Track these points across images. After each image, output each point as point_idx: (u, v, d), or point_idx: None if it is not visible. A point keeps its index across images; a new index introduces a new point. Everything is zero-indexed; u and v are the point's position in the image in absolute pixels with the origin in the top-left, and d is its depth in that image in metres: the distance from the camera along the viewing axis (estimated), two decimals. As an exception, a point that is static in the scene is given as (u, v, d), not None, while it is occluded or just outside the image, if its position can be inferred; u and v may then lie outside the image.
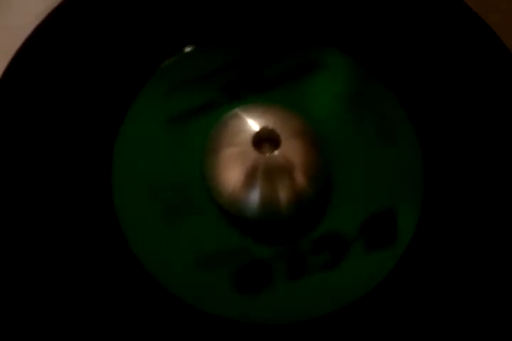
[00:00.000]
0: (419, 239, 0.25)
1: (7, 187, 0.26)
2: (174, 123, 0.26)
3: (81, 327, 0.25)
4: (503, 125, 0.26)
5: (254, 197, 0.25)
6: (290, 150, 0.24)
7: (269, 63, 0.27)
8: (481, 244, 0.25)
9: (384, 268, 0.25)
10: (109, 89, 0.27)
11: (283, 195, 0.25)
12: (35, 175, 0.26)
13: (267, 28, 0.27)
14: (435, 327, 0.25)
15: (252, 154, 0.24)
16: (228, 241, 0.25)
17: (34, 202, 0.26)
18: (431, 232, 0.26)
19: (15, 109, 0.26)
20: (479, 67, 0.27)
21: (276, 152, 0.24)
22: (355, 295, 0.25)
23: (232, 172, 0.25)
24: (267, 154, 0.24)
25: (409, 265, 0.25)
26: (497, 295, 0.25)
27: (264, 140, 0.25)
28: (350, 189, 0.26)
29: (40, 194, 0.26)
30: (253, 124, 0.25)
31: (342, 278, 0.25)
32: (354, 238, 0.25)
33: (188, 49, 0.27)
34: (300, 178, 0.25)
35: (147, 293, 0.25)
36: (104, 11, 0.28)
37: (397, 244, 0.25)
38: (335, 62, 0.27)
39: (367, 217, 0.25)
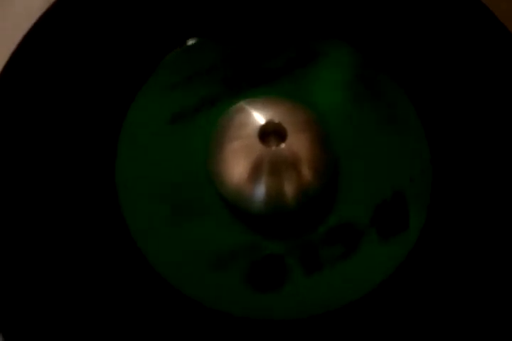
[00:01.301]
0: (430, 228, 0.25)
1: (8, 186, 0.25)
2: (177, 118, 0.26)
3: (88, 328, 0.24)
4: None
5: (260, 191, 0.24)
6: (296, 144, 0.24)
7: (271, 55, 0.27)
8: (494, 229, 0.25)
9: (399, 256, 0.25)
10: (111, 85, 0.26)
11: (289, 188, 0.24)
12: (36, 175, 0.25)
13: (269, 20, 0.27)
14: (447, 318, 0.25)
15: (258, 147, 0.24)
16: (238, 239, 0.25)
17: (35, 202, 0.25)
18: (441, 221, 0.25)
19: (16, 105, 0.26)
20: (486, 60, 0.27)
21: (282, 145, 0.24)
22: (372, 284, 0.24)
23: (237, 166, 0.24)
24: (273, 147, 0.24)
25: (420, 254, 0.25)
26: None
27: (270, 133, 0.24)
28: (357, 179, 0.26)
29: (41, 193, 0.25)
30: (259, 117, 0.24)
31: (357, 268, 0.25)
32: (366, 227, 0.25)
33: (189, 43, 0.27)
34: (306, 172, 0.24)
35: (158, 294, 0.24)
36: (104, 5, 0.27)
37: (409, 230, 0.25)
38: (338, 53, 0.27)
39: (378, 203, 0.25)
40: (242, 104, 0.25)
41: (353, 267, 0.25)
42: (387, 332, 0.24)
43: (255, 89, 0.26)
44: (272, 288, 0.24)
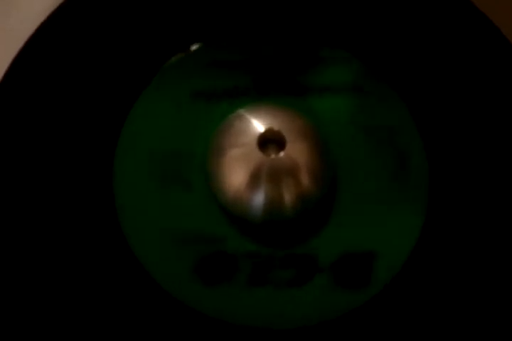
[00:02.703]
0: (422, 248, 0.25)
1: (12, 183, 0.25)
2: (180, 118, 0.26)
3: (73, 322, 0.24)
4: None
5: (258, 199, 0.24)
6: (295, 153, 0.24)
7: (275, 63, 0.27)
8: (492, 232, 0.25)
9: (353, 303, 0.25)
10: (115, 85, 0.26)
11: (287, 197, 0.24)
12: (35, 172, 0.26)
13: (275, 28, 0.27)
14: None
15: (257, 156, 0.24)
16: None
17: (35, 199, 0.25)
18: (434, 242, 0.25)
19: (20, 105, 0.26)
20: (486, 66, 0.27)
21: (281, 154, 0.24)
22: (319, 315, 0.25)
23: (236, 173, 0.24)
24: (272, 156, 0.24)
25: (410, 275, 0.25)
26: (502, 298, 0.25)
27: (269, 141, 0.24)
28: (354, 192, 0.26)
29: (40, 187, 0.25)
30: (258, 125, 0.24)
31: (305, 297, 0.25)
32: (325, 268, 0.25)
33: (194, 47, 0.27)
34: (305, 181, 0.24)
35: (148, 294, 0.25)
36: (108, 10, 0.27)
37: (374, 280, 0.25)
38: (341, 62, 0.27)
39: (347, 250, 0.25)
40: (241, 111, 0.25)
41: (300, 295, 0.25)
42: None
43: (255, 98, 0.26)
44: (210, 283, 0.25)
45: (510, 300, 0.25)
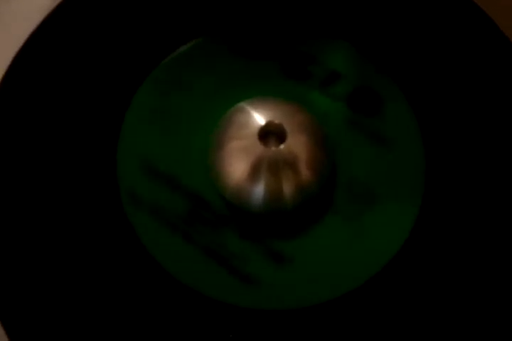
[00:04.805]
0: (418, 237, 0.26)
1: (14, 181, 0.26)
2: (176, 117, 0.27)
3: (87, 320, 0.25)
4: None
5: (259, 190, 0.25)
6: (296, 145, 0.24)
7: (274, 56, 0.27)
8: (483, 240, 0.26)
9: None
10: (111, 83, 0.27)
11: (287, 189, 0.25)
12: (40, 171, 0.26)
13: (272, 20, 0.28)
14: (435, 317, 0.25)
15: (258, 148, 0.24)
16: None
17: (37, 197, 0.26)
18: (430, 230, 0.26)
19: (19, 105, 0.26)
20: (486, 62, 0.27)
21: (281, 146, 0.24)
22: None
23: (237, 165, 0.25)
24: (273, 148, 0.24)
25: (405, 263, 0.25)
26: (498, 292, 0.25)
27: (270, 134, 0.25)
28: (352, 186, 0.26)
29: (44, 183, 0.26)
30: (259, 118, 0.25)
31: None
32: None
33: (191, 43, 0.27)
34: (305, 173, 0.25)
35: (158, 285, 0.25)
36: (106, 6, 0.28)
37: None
38: (339, 55, 0.27)
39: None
40: (242, 104, 0.26)
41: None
42: (375, 327, 0.25)
43: (255, 89, 0.27)
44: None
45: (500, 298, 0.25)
